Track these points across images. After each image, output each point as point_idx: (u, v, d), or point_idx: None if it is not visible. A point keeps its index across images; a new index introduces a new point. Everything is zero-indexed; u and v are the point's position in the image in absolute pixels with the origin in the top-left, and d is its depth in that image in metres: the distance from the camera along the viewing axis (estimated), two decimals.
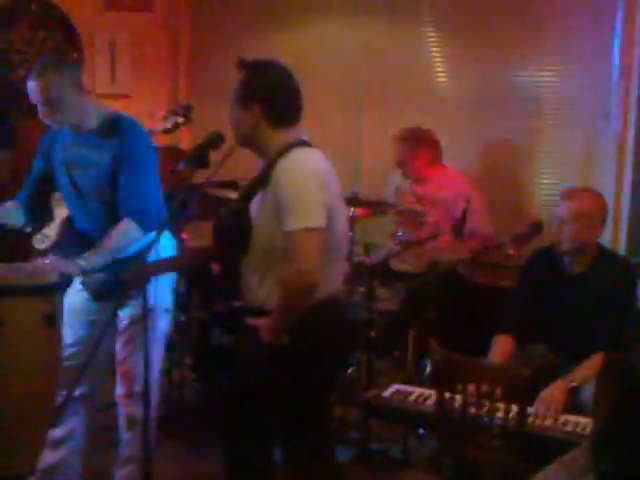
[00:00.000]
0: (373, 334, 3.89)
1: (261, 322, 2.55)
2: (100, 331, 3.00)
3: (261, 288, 2.59)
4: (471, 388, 2.76)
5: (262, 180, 2.57)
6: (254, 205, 2.60)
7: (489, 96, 4.49)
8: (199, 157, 2.66)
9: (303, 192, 2.44)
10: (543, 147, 4.37)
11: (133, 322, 3.14)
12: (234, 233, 2.64)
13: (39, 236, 3.35)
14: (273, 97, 2.57)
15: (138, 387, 3.07)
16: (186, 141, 5.31)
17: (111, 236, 3.10)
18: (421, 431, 3.61)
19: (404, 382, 3.46)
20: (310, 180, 2.46)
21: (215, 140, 2.68)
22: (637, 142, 4.03)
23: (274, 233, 2.50)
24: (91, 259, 3.12)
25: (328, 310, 2.58)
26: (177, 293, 4.22)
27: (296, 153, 2.53)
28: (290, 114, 2.61)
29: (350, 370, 3.99)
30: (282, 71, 2.62)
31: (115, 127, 3.11)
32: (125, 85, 5.50)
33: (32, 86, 3.03)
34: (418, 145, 4.26)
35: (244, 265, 2.62)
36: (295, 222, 2.43)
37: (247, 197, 2.64)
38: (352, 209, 3.91)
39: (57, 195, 3.37)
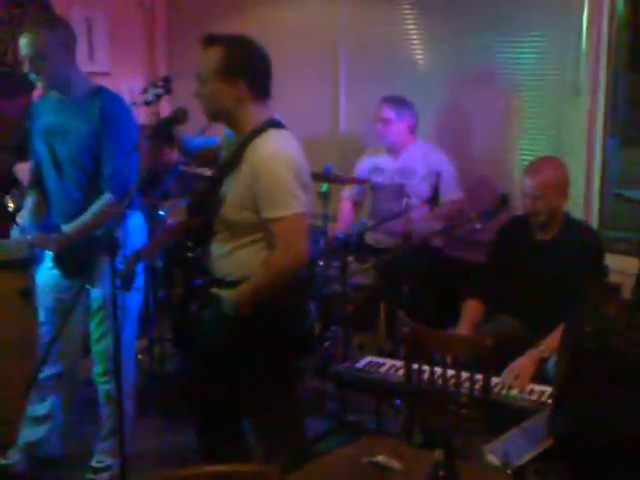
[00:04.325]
0: (351, 308, 3.96)
1: (227, 294, 2.63)
2: (67, 308, 3.07)
3: (226, 260, 2.67)
4: (438, 358, 2.84)
5: (236, 158, 2.62)
6: (226, 181, 2.66)
7: (462, 70, 4.51)
8: (163, 133, 2.70)
9: (285, 180, 2.54)
10: (517, 122, 4.39)
11: (105, 302, 3.18)
12: (208, 211, 2.68)
13: (22, 212, 3.39)
14: (257, 71, 2.63)
15: (113, 365, 3.14)
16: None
17: (91, 212, 3.14)
18: (398, 401, 3.68)
19: (380, 354, 3.54)
20: (290, 168, 2.55)
21: (179, 116, 2.72)
22: (607, 117, 4.05)
23: (241, 210, 2.60)
24: (69, 234, 3.17)
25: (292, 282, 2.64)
26: (155, 269, 4.30)
27: (272, 137, 2.60)
28: (268, 88, 2.68)
29: (327, 344, 4.06)
30: (258, 46, 2.67)
31: (99, 99, 3.14)
32: (104, 63, 5.49)
33: (23, 40, 3.06)
34: (404, 109, 4.28)
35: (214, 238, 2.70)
36: (283, 209, 2.54)
37: (221, 175, 2.69)
38: (325, 185, 3.96)
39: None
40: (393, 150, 4.34)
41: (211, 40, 2.63)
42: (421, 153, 4.29)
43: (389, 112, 4.24)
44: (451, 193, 4.20)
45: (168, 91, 4.02)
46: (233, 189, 2.61)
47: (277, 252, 2.58)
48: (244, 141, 2.61)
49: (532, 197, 3.32)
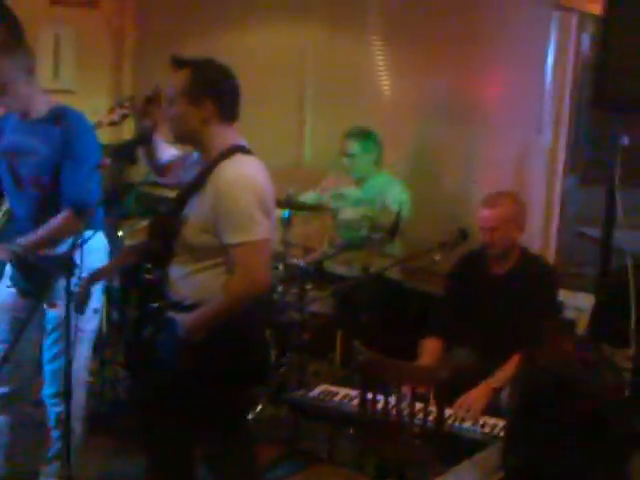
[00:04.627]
0: (306, 336, 3.94)
1: (182, 318, 2.60)
2: (20, 327, 3.01)
3: (184, 283, 2.64)
4: (393, 389, 2.83)
5: (201, 180, 2.62)
6: (189, 203, 2.64)
7: (428, 102, 4.56)
8: (127, 153, 2.68)
9: (248, 206, 2.53)
10: (478, 154, 4.44)
11: (61, 322, 3.13)
12: (169, 232, 2.66)
13: None
14: (224, 91, 2.64)
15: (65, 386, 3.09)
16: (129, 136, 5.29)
17: (49, 226, 3.10)
18: (351, 431, 3.66)
19: (335, 383, 3.52)
20: (254, 194, 2.54)
21: (144, 136, 2.70)
22: (568, 154, 4.12)
23: (202, 232, 2.58)
24: (25, 246, 3.11)
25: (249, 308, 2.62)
26: (111, 290, 4.24)
27: (238, 162, 2.60)
28: (236, 110, 2.68)
29: (282, 370, 4.03)
30: (226, 68, 2.68)
31: (61, 119, 3.10)
32: (68, 81, 5.45)
33: None
34: (369, 142, 4.30)
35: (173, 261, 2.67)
36: (244, 235, 2.52)
37: (185, 196, 2.67)
38: (287, 211, 3.95)
39: None
40: (357, 181, 4.37)
41: (180, 63, 2.65)
42: (383, 185, 4.32)
43: (354, 147, 4.27)
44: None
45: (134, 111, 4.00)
46: (196, 211, 2.60)
47: (236, 278, 2.56)
48: (210, 164, 2.61)
49: (488, 229, 3.36)
